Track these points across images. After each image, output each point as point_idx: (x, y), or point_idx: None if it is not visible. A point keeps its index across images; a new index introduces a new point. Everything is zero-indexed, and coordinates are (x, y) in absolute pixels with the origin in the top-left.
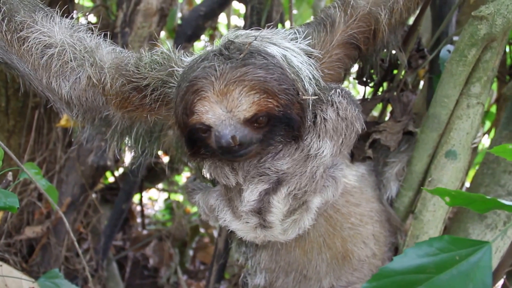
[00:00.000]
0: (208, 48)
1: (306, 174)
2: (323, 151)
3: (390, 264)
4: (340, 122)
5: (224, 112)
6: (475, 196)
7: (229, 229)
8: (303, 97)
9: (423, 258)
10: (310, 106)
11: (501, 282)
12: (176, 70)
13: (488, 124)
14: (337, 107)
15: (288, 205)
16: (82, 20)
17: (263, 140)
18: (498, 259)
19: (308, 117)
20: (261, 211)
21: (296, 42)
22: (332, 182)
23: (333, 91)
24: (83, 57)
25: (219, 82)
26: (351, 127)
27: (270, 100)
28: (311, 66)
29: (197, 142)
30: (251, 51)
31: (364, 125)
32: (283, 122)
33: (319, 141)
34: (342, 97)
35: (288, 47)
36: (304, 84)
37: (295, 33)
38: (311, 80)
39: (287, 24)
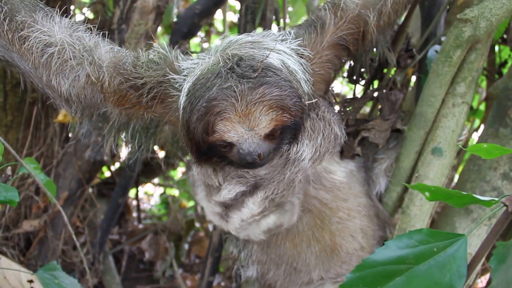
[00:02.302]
0: (212, 59)
1: (284, 181)
2: (301, 154)
3: (372, 255)
4: (318, 121)
5: (246, 130)
6: (452, 192)
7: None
8: (306, 102)
9: (403, 249)
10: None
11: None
12: (172, 76)
13: (477, 122)
14: (316, 109)
15: (263, 207)
16: (79, 16)
17: (276, 148)
18: None
19: (305, 118)
20: (229, 206)
21: (286, 43)
22: (290, 207)
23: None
24: (82, 55)
25: (241, 104)
26: (329, 128)
27: (285, 115)
28: (302, 66)
29: (212, 154)
30: (262, 68)
31: (345, 135)
32: (292, 128)
33: (298, 143)
34: (321, 103)
35: (279, 49)
36: (304, 88)
37: (285, 34)
38: (305, 79)
39: (282, 22)
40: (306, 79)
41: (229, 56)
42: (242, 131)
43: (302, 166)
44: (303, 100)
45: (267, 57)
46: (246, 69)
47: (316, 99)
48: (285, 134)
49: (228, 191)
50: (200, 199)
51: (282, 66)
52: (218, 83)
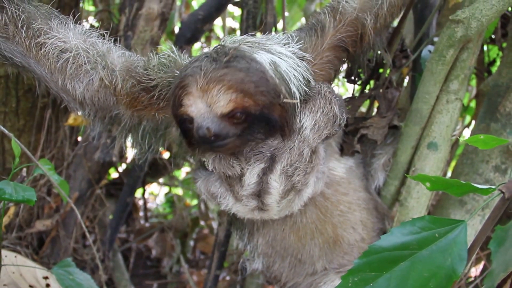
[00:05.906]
0: (205, 50)
1: (295, 149)
2: (303, 124)
3: (378, 242)
4: (319, 98)
5: (204, 106)
6: (452, 181)
7: (230, 213)
8: (284, 100)
9: (406, 236)
10: (298, 107)
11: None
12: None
13: (468, 118)
14: (318, 90)
15: (283, 185)
16: (86, 24)
17: (241, 135)
18: None
19: (294, 118)
20: (260, 193)
21: (289, 46)
22: (323, 175)
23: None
24: (96, 60)
25: (202, 79)
26: (329, 107)
27: (246, 99)
28: (300, 67)
29: (187, 133)
30: (236, 55)
31: (346, 116)
32: (261, 120)
33: (299, 114)
34: (325, 86)
35: (280, 52)
36: (290, 88)
37: (288, 38)
38: (300, 81)
39: (280, 25)
40: (303, 79)
41: (216, 45)
42: (201, 107)
43: (305, 135)
44: (281, 97)
45: (239, 44)
46: (220, 54)
47: (296, 101)
48: (254, 124)
49: (250, 173)
50: (231, 205)
51: (269, 64)
52: (195, 64)
